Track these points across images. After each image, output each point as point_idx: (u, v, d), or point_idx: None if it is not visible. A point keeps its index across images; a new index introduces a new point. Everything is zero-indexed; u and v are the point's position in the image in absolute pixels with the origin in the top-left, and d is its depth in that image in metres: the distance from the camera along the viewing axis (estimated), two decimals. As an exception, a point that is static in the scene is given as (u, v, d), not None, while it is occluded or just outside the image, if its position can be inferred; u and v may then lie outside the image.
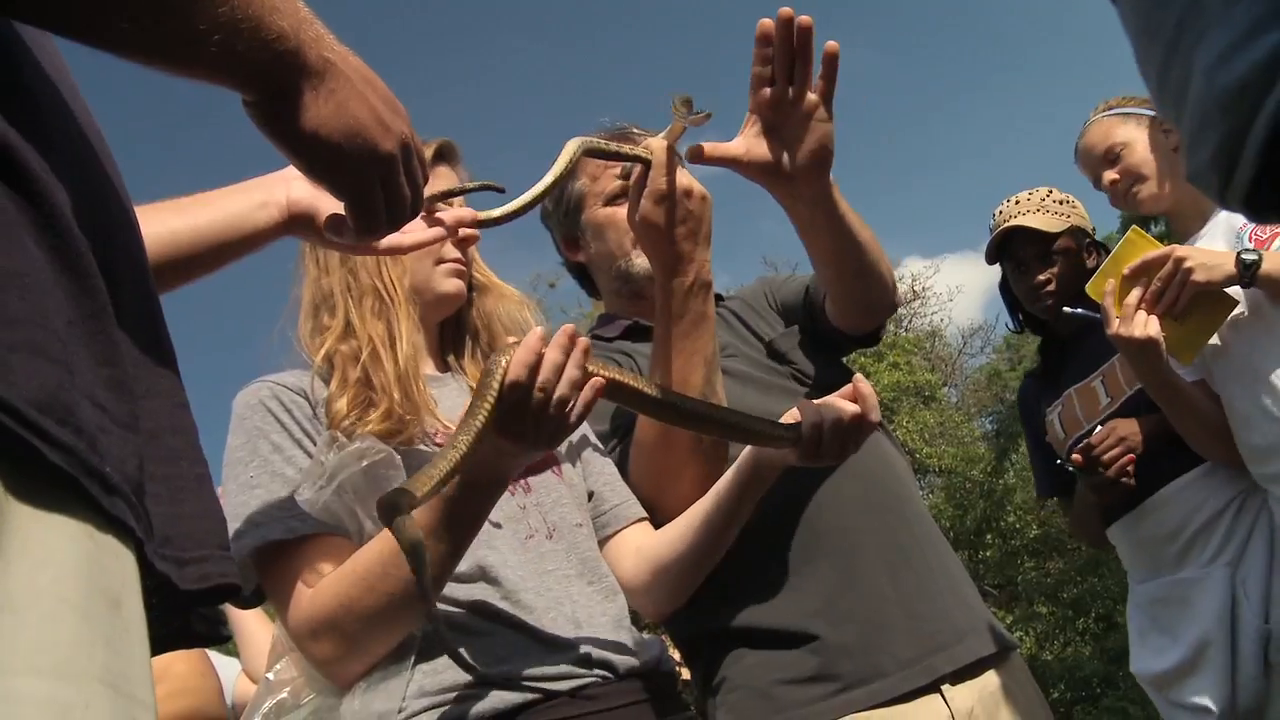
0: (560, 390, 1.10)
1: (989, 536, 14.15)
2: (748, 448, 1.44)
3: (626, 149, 1.43)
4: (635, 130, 1.80)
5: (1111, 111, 2.42)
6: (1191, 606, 2.18)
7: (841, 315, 1.72)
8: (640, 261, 1.71)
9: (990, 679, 1.56)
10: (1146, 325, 2.05)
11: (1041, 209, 2.56)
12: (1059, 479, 2.58)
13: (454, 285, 1.46)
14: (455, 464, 1.06)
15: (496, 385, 1.10)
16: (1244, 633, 2.09)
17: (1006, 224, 2.55)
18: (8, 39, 0.57)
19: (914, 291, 17.09)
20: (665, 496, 1.54)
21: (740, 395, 1.60)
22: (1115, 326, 2.09)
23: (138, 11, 0.58)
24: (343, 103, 0.74)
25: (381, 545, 1.16)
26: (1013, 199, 2.62)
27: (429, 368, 1.48)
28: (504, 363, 1.10)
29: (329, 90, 0.72)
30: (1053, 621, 13.55)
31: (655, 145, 1.42)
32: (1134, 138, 2.35)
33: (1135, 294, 2.07)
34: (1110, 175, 2.37)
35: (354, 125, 0.75)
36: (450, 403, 1.41)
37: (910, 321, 17.11)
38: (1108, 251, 2.61)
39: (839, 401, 1.38)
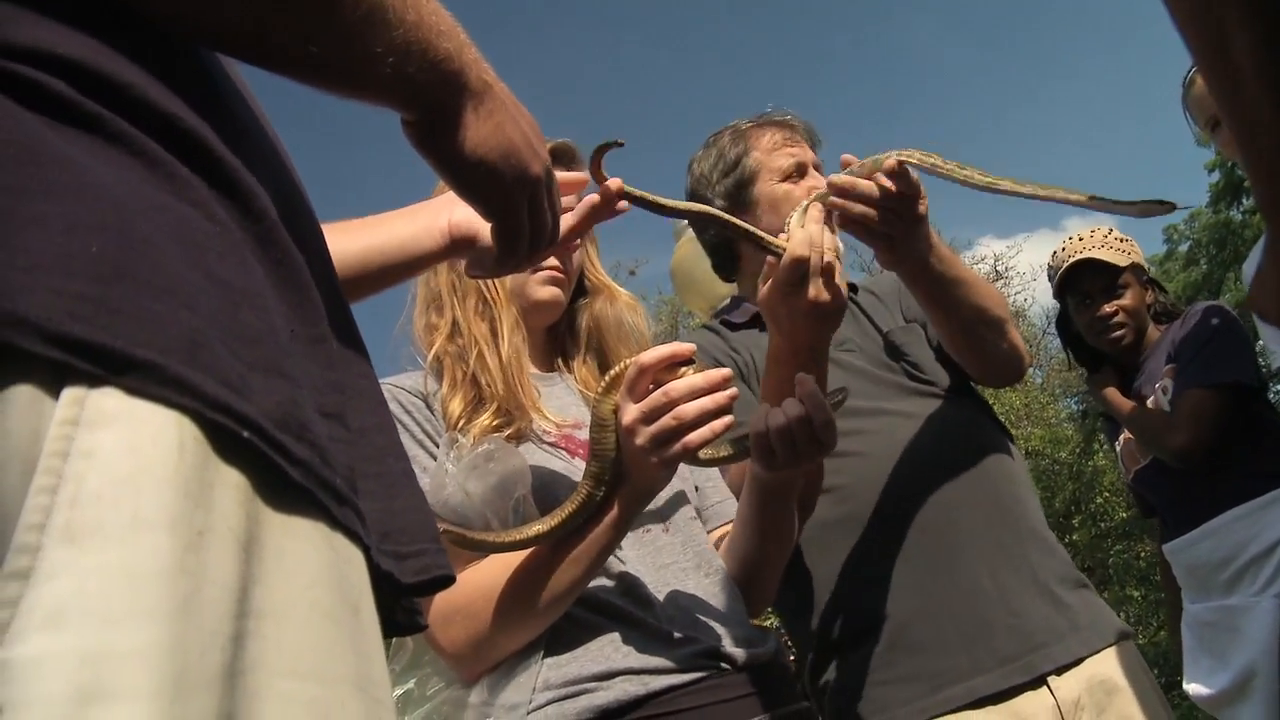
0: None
1: (1077, 520, 13.86)
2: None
3: (769, 240, 1.39)
4: (790, 115, 1.84)
5: None
6: (1239, 634, 2.25)
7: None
8: None
9: (1099, 667, 1.54)
10: None
11: (1106, 245, 2.68)
12: (1144, 503, 2.78)
13: (549, 293, 1.47)
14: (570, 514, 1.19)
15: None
16: None
17: (1073, 258, 2.68)
18: (208, 63, 0.60)
19: (996, 271, 16.72)
20: None
21: (851, 388, 1.61)
22: None
23: (325, 39, 0.60)
24: (500, 124, 0.75)
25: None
26: (1075, 236, 2.76)
27: (532, 368, 1.49)
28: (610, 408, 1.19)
29: (487, 112, 0.74)
30: (1145, 605, 13.20)
31: (794, 243, 1.34)
32: None
33: None
34: None
35: (509, 147, 0.76)
36: (556, 402, 1.44)
37: (993, 301, 16.76)
38: (1163, 289, 2.77)
39: (786, 404, 1.28)
